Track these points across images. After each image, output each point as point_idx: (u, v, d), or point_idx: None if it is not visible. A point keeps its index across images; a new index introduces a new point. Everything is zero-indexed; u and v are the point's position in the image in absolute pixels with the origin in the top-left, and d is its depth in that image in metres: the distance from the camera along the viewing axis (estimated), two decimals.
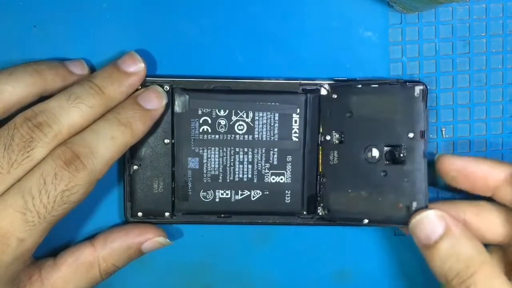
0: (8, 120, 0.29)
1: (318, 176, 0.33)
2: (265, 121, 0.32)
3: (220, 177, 0.33)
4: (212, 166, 0.33)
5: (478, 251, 0.29)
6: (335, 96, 0.32)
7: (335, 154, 0.32)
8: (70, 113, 0.29)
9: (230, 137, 0.33)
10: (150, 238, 0.32)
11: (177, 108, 0.32)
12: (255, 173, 0.33)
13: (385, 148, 0.32)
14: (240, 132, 0.33)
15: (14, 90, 0.29)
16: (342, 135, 0.32)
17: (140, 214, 0.33)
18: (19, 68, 0.30)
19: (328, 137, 0.32)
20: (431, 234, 0.30)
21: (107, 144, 0.29)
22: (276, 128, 0.33)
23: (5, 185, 0.27)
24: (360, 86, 0.32)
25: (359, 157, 0.32)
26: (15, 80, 0.29)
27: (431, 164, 0.32)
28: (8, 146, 0.27)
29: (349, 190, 0.32)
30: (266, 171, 0.33)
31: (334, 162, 0.32)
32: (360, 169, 0.32)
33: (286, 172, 0.33)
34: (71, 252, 0.31)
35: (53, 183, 0.27)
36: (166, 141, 0.32)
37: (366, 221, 0.32)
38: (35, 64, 0.30)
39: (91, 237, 0.32)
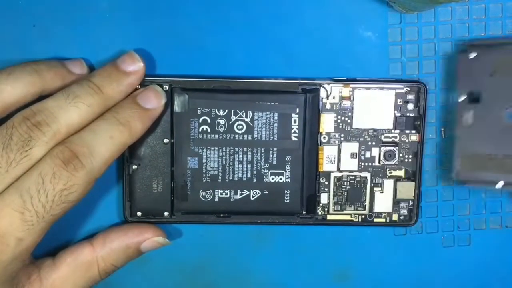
0: (7, 119, 0.29)
1: (317, 176, 0.33)
2: (264, 121, 0.32)
3: (220, 177, 0.33)
4: (212, 165, 0.33)
5: None
6: (474, 54, 0.31)
7: (471, 115, 0.31)
8: (69, 112, 0.28)
9: (230, 137, 0.33)
10: (149, 238, 0.32)
11: (177, 108, 0.32)
12: (255, 172, 0.33)
13: None
14: (240, 131, 0.33)
15: (13, 90, 0.29)
16: (480, 95, 0.31)
17: (139, 213, 0.33)
18: (18, 68, 0.30)
19: (463, 97, 0.32)
20: None
21: (106, 144, 0.29)
22: (276, 128, 0.32)
23: (3, 184, 0.27)
24: (506, 44, 0.31)
25: (499, 117, 0.31)
26: (14, 80, 0.29)
27: None
28: (7, 145, 0.27)
29: (484, 152, 0.31)
30: (266, 170, 0.33)
31: (469, 123, 0.31)
32: (499, 130, 0.31)
33: (286, 171, 0.33)
34: (70, 252, 0.31)
35: (51, 183, 0.27)
36: (166, 140, 0.32)
37: (501, 183, 0.31)
38: (34, 63, 0.30)
39: (90, 237, 0.32)
